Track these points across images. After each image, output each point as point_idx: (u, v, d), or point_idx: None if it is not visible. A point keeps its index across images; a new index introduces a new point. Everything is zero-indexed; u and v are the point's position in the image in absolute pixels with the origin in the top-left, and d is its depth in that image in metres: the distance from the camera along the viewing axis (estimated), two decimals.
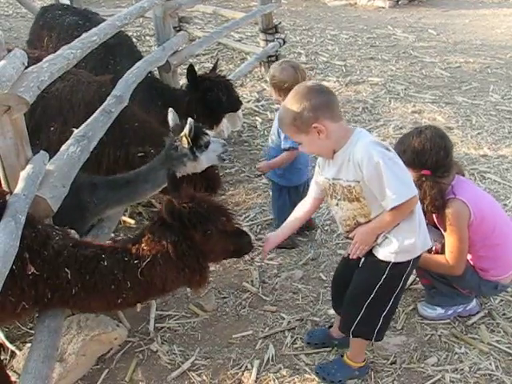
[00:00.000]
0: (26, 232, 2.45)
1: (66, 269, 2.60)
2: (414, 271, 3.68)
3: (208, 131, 3.65)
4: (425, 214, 2.91)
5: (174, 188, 2.91)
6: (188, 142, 3.40)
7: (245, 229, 2.84)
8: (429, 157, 3.09)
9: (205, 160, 3.56)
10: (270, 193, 4.66)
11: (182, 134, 3.41)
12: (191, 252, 2.72)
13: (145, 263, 2.69)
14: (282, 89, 3.83)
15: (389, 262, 2.75)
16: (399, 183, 2.53)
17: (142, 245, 2.73)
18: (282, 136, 3.92)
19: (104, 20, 4.52)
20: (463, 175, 3.40)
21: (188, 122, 3.39)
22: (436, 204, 3.09)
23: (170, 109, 3.67)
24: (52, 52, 3.24)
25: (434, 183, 3.08)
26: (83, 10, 5.69)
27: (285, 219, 4.43)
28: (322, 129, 2.57)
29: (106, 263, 2.67)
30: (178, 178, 3.13)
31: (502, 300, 3.62)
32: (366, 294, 2.84)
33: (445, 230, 3.21)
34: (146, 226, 2.90)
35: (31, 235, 2.54)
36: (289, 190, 4.21)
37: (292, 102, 2.62)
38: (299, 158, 4.09)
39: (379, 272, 2.79)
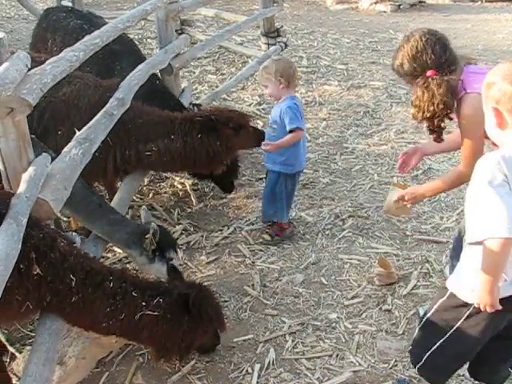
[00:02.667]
0: (33, 232, 2.47)
1: (72, 275, 2.61)
2: None
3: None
4: (440, 123, 2.80)
5: (172, 277, 3.22)
6: (150, 244, 3.30)
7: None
8: (426, 56, 2.82)
9: (155, 269, 3.41)
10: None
11: (148, 236, 3.30)
12: (186, 336, 2.90)
13: (149, 312, 2.76)
14: (285, 71, 4.07)
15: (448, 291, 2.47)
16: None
17: (160, 299, 2.82)
18: (287, 119, 3.99)
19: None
20: (475, 64, 3.05)
21: (152, 227, 3.30)
22: (446, 101, 2.79)
23: (143, 207, 3.74)
24: (56, 55, 3.24)
25: (440, 81, 2.79)
26: (87, 13, 5.66)
27: (275, 208, 4.41)
28: (499, 115, 2.16)
29: (111, 285, 2.71)
30: (177, 269, 3.37)
31: None
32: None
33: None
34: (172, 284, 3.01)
35: (39, 236, 2.55)
36: (286, 179, 4.24)
37: (504, 76, 2.15)
38: (301, 144, 4.18)
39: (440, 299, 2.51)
